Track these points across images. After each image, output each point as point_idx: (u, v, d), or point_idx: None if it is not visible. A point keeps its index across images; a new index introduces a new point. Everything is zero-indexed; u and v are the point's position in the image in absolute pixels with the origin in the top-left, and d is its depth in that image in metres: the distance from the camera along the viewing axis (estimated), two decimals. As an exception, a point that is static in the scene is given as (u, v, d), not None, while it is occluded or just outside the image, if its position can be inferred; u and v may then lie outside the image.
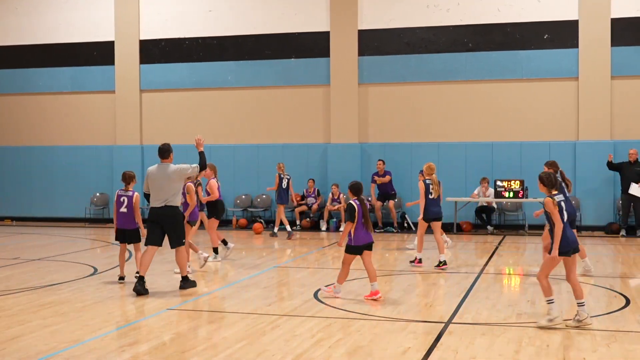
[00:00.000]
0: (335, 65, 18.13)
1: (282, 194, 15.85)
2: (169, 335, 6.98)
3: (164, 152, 9.56)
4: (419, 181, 11.97)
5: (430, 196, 11.52)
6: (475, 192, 16.87)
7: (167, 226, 9.43)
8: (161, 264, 11.89)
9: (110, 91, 19.76)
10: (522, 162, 17.15)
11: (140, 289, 9.07)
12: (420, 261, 11.53)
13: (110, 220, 19.61)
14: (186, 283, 9.52)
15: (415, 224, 17.41)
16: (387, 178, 17.26)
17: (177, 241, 9.47)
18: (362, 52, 18.04)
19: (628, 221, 15.88)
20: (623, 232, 15.75)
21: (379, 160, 17.48)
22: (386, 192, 17.23)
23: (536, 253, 13.46)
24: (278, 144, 18.50)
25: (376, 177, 17.37)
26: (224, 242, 12.45)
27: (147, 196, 9.65)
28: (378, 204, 17.17)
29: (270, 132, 18.71)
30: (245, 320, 7.60)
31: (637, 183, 15.51)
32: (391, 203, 17.04)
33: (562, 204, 7.32)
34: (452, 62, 17.58)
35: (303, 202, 17.87)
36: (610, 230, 16.10)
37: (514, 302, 8.57)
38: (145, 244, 9.51)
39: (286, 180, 15.94)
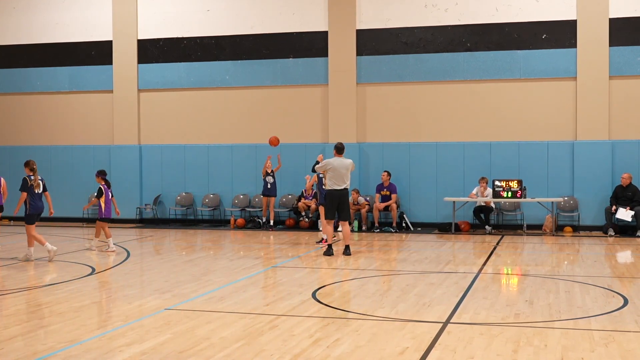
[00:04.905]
0: (333, 65, 18.13)
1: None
2: (166, 335, 6.97)
3: (342, 149, 12.79)
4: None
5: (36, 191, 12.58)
6: (474, 192, 16.87)
7: (342, 204, 12.54)
8: (160, 263, 11.88)
9: (108, 91, 19.75)
10: (521, 162, 17.16)
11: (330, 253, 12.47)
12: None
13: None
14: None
15: (414, 224, 17.45)
16: (394, 198, 17.08)
17: (348, 215, 12.72)
18: (360, 51, 18.03)
19: (613, 221, 15.95)
20: (611, 232, 15.76)
21: (384, 171, 17.42)
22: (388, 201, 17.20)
23: (535, 253, 13.47)
24: (276, 144, 18.47)
25: (382, 192, 17.27)
26: None
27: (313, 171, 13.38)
28: (380, 205, 17.14)
29: (268, 131, 18.63)
30: (243, 320, 7.59)
31: (626, 207, 15.67)
32: (393, 205, 17.00)
33: None
34: (450, 61, 17.58)
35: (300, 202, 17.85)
36: (607, 229, 16.10)
37: (512, 302, 8.57)
38: (328, 219, 12.61)
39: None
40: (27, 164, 12.47)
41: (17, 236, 16.36)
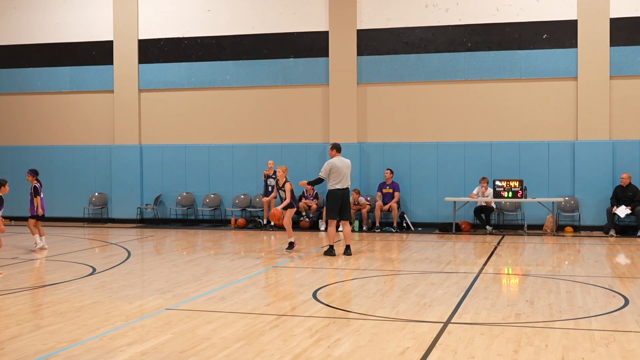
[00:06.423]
0: (334, 65, 18.12)
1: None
2: (167, 335, 6.97)
3: (341, 148, 12.78)
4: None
5: None
6: (475, 191, 16.86)
7: (346, 203, 12.56)
8: (161, 263, 11.88)
9: (109, 91, 19.76)
10: (521, 161, 17.15)
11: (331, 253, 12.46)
12: None
13: (110, 220, 19.65)
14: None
15: (415, 224, 17.45)
16: (396, 196, 17.14)
17: (349, 215, 12.72)
18: (361, 51, 18.03)
19: (614, 221, 15.95)
20: (612, 232, 15.77)
21: (387, 169, 17.42)
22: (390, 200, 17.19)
23: (535, 253, 13.47)
24: (277, 144, 18.49)
25: (385, 189, 17.31)
26: None
27: (319, 181, 12.83)
28: (381, 205, 17.11)
29: (269, 131, 18.71)
30: (244, 320, 7.59)
31: (627, 206, 15.72)
32: (394, 205, 16.98)
33: None
34: (450, 61, 17.57)
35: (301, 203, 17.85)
36: (608, 230, 16.09)
37: (512, 302, 8.57)
38: (330, 218, 12.47)
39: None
40: None
41: (19, 236, 16.37)
